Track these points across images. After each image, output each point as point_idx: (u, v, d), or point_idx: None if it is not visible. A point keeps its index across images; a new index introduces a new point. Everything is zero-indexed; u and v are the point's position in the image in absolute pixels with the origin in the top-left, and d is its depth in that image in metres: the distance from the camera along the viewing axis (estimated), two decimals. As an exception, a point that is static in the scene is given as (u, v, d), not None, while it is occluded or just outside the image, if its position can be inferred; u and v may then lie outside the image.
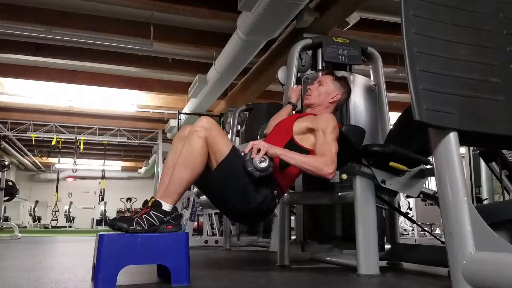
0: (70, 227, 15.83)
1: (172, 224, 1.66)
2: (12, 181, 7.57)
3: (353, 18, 4.79)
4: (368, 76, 2.78)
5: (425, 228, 7.11)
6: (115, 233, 1.58)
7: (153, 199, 1.68)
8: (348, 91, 2.22)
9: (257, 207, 1.82)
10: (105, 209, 15.80)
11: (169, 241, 1.62)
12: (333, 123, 1.93)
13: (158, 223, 1.63)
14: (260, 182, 1.79)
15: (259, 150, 1.74)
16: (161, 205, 1.66)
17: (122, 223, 1.59)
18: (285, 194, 2.48)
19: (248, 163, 1.74)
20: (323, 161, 1.81)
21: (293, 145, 1.94)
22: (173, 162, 1.74)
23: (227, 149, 1.77)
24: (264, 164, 1.75)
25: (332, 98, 2.14)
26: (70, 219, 16.29)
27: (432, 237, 3.35)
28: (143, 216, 1.62)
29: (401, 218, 7.86)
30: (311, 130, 1.96)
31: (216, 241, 4.78)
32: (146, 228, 1.60)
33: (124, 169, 18.21)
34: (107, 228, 1.68)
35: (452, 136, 1.38)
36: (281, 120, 2.24)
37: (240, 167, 1.76)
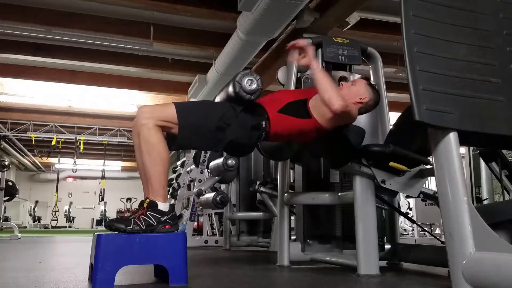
0: (70, 227, 15.84)
1: (170, 224, 1.66)
2: (12, 181, 7.56)
3: (353, 18, 4.79)
4: (368, 76, 2.78)
5: (425, 228, 7.11)
6: (113, 233, 1.58)
7: (148, 200, 1.68)
8: (377, 100, 2.20)
9: (239, 126, 1.84)
10: (105, 209, 15.80)
11: (166, 241, 1.62)
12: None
13: (155, 223, 1.63)
14: (246, 108, 1.82)
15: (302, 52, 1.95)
16: (157, 205, 1.66)
17: (119, 224, 1.59)
18: (285, 194, 2.49)
19: (237, 83, 1.72)
20: (338, 97, 1.91)
21: (301, 105, 1.99)
22: (140, 160, 1.73)
23: (173, 108, 1.77)
24: (253, 86, 1.73)
25: (360, 99, 2.12)
26: (70, 219, 16.30)
27: (432, 237, 3.35)
28: (140, 217, 1.62)
29: (401, 218, 7.86)
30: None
31: (216, 241, 4.77)
32: (144, 228, 1.60)
33: (124, 169, 18.20)
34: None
35: (452, 136, 1.38)
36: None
37: (196, 106, 1.90)
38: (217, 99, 2.09)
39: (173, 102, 1.81)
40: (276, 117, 1.94)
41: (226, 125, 1.82)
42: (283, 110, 1.95)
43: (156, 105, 1.87)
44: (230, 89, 1.87)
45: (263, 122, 1.91)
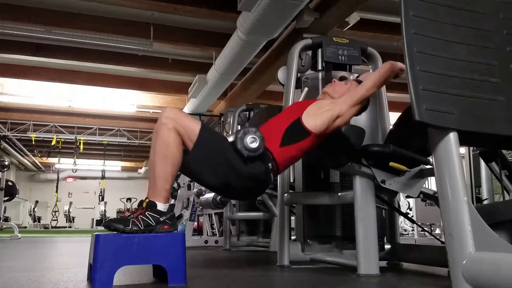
0: (70, 227, 15.84)
1: (168, 224, 1.66)
2: (12, 181, 7.57)
3: (353, 18, 4.79)
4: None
5: (425, 228, 7.12)
6: (112, 233, 1.58)
7: (147, 200, 1.68)
8: (365, 105, 2.16)
9: (247, 177, 1.81)
10: (105, 209, 15.79)
11: (165, 241, 1.62)
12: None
13: (154, 223, 1.63)
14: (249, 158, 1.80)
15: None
16: (156, 206, 1.65)
17: (118, 224, 1.59)
18: (285, 194, 2.48)
19: (239, 140, 1.73)
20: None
21: (296, 126, 1.96)
22: (153, 158, 1.71)
23: (198, 126, 1.75)
24: (254, 145, 1.75)
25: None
26: (70, 219, 16.30)
27: (432, 237, 3.35)
28: (139, 217, 1.62)
29: (401, 218, 7.86)
30: (332, 102, 2.03)
31: (216, 241, 4.77)
32: (142, 228, 1.61)
33: (124, 169, 18.20)
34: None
35: (452, 136, 1.38)
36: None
37: (217, 137, 1.83)
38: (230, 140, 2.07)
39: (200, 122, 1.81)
40: (280, 153, 1.92)
41: (236, 169, 1.79)
42: (283, 142, 1.93)
43: (182, 112, 1.84)
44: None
45: (269, 164, 1.88)
